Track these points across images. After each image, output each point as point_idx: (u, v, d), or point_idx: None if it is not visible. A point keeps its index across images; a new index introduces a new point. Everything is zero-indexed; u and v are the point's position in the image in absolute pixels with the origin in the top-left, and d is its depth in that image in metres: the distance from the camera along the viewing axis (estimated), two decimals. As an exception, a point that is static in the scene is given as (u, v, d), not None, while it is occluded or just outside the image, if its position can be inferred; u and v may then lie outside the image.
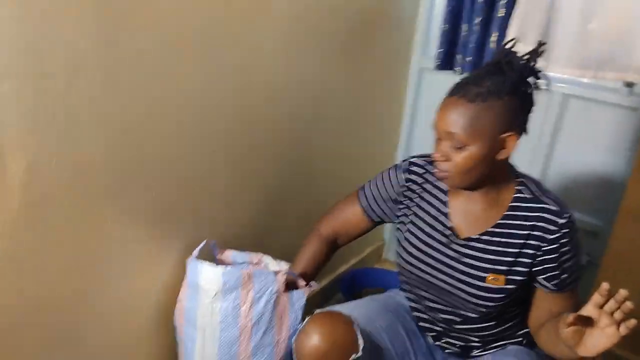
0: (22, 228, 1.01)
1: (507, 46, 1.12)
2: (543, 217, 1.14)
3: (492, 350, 1.30)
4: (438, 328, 1.33)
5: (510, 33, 1.78)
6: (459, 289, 1.21)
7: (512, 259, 1.17)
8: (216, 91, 1.32)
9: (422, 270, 1.26)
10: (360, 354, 1.19)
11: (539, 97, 1.15)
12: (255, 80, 1.43)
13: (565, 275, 1.16)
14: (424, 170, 1.28)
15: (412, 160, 1.30)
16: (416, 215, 1.28)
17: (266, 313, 1.28)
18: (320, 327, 1.20)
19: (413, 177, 1.28)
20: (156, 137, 1.22)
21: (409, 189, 1.29)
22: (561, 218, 1.13)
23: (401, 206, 1.32)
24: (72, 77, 1.00)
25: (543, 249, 1.15)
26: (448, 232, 1.23)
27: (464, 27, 1.90)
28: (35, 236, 1.04)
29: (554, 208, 1.14)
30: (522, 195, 1.18)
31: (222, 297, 1.26)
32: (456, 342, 1.31)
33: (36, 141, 0.99)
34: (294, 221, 1.80)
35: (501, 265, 1.18)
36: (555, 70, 1.81)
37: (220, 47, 1.29)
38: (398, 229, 1.34)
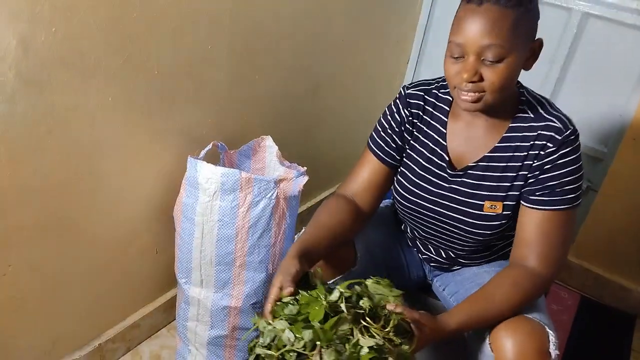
0: (17, 105, 1.02)
1: None
2: (543, 134, 1.06)
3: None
4: (431, 254, 1.32)
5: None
6: (456, 220, 1.16)
7: (509, 183, 1.11)
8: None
9: (418, 205, 1.20)
10: (357, 266, 1.22)
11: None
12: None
13: (558, 191, 1.06)
14: (422, 101, 1.18)
15: (408, 92, 1.19)
16: (414, 149, 1.20)
17: (264, 217, 1.33)
18: None
19: (414, 110, 1.18)
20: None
21: (411, 123, 1.20)
22: (563, 134, 1.05)
23: (407, 144, 1.22)
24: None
25: (537, 164, 1.07)
26: (444, 165, 1.16)
27: None
28: (34, 113, 1.05)
29: (556, 125, 1.06)
30: (523, 115, 1.10)
31: (220, 196, 1.30)
32: (445, 262, 1.31)
33: (30, 13, 0.97)
34: (299, 134, 1.83)
35: (499, 192, 1.12)
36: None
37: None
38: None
